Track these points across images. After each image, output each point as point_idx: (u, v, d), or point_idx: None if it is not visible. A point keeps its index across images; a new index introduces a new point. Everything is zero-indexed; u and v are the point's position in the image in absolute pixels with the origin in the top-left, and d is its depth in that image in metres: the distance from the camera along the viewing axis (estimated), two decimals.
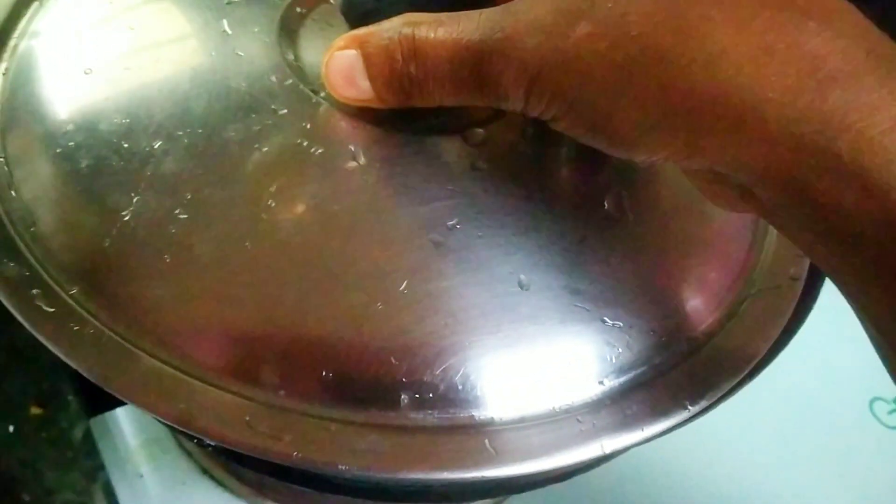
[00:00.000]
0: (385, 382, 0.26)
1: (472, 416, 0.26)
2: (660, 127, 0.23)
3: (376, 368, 0.26)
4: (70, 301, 0.27)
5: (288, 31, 0.32)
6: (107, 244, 0.27)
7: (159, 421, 0.26)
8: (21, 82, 0.31)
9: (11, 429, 0.46)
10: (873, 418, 0.52)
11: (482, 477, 0.25)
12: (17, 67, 0.32)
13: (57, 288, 0.27)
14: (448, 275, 0.27)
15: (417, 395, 0.26)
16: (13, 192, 0.29)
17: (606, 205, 0.30)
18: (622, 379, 0.28)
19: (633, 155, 0.24)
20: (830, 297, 0.35)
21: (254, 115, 0.29)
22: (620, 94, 0.23)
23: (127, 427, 0.44)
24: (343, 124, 0.29)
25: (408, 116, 0.29)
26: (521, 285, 0.28)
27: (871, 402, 0.53)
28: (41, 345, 0.48)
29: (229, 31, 0.31)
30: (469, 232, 0.28)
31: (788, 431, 0.50)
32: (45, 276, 0.27)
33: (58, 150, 0.29)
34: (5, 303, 0.26)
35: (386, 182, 0.28)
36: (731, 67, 0.22)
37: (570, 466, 0.27)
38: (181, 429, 0.25)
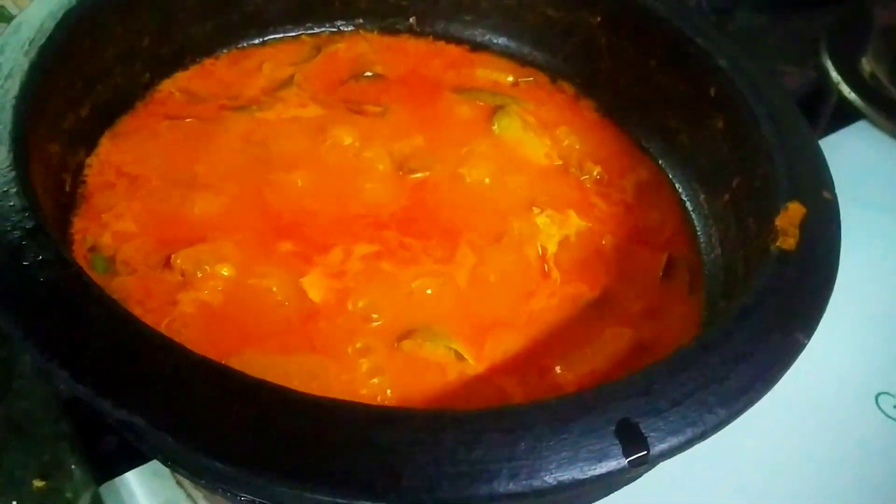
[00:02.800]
0: None
1: None
2: None
3: None
4: None
5: None
6: None
7: None
8: None
9: None
10: (879, 412, 0.53)
11: None
12: None
13: None
14: None
15: None
16: None
17: None
18: None
19: None
20: (837, 293, 0.36)
21: None
22: None
23: (139, 491, 0.43)
24: None
25: None
26: None
27: (878, 396, 0.53)
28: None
29: None
30: None
31: (795, 426, 0.50)
32: None
33: None
34: None
35: None
36: None
37: None
38: None
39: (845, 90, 0.74)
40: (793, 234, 0.36)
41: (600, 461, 0.28)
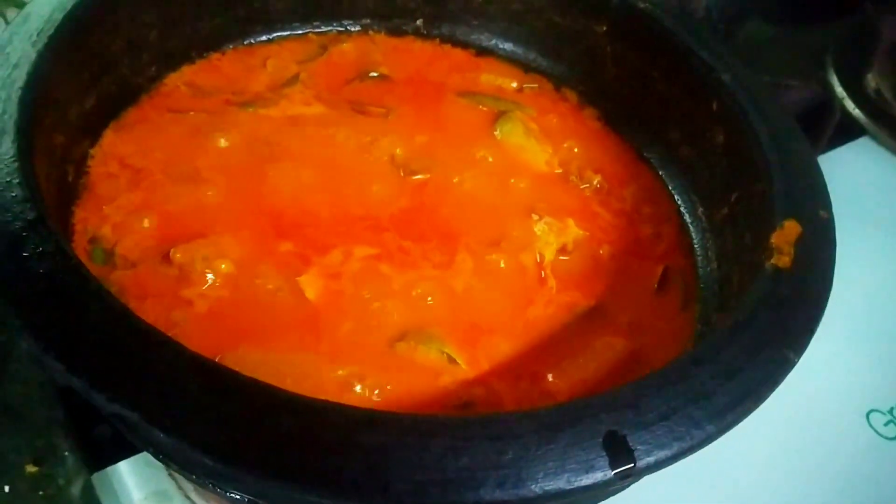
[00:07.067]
0: None
1: None
2: None
3: None
4: None
5: None
6: None
7: None
8: None
9: (7, 489, 0.45)
10: (870, 429, 0.53)
11: None
12: None
13: None
14: None
15: None
16: None
17: None
18: None
19: None
20: (833, 308, 0.36)
21: None
22: None
23: (130, 480, 0.43)
24: None
25: None
26: None
27: (868, 413, 0.53)
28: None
29: None
30: None
31: (787, 443, 0.50)
32: None
33: None
34: None
35: None
36: None
37: None
38: None
39: (849, 106, 0.74)
40: (787, 253, 0.37)
41: (587, 472, 0.28)
